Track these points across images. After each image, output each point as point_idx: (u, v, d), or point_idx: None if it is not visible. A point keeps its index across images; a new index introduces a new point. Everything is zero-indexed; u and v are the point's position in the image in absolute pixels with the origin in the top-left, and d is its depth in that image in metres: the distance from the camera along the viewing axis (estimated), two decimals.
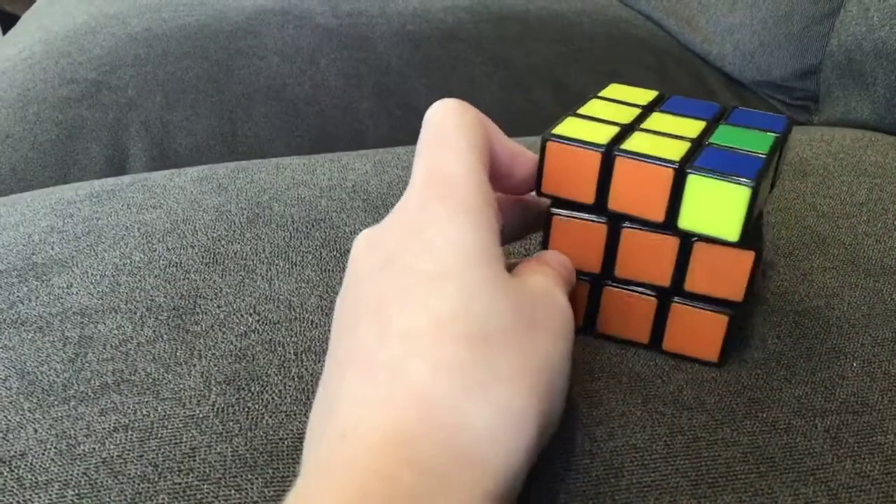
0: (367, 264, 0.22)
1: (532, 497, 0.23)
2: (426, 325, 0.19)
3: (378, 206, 0.38)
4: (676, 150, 0.25)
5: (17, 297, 0.32)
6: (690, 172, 0.24)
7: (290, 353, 0.29)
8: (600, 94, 0.30)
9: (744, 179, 0.24)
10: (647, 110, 0.29)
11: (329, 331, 0.29)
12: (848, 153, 0.45)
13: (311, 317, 0.30)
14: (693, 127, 0.27)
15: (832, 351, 0.29)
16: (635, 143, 0.26)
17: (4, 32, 1.74)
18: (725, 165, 0.25)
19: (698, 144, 0.26)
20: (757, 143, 0.26)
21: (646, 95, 0.30)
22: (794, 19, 0.64)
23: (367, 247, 0.23)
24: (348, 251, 0.34)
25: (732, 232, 0.24)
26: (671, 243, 0.26)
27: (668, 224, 0.25)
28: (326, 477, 0.17)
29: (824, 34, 0.62)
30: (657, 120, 0.28)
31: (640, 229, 0.26)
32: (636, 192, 0.25)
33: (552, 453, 0.24)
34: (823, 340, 0.29)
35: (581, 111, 0.28)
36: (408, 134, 0.62)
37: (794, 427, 0.25)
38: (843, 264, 0.34)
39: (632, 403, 0.26)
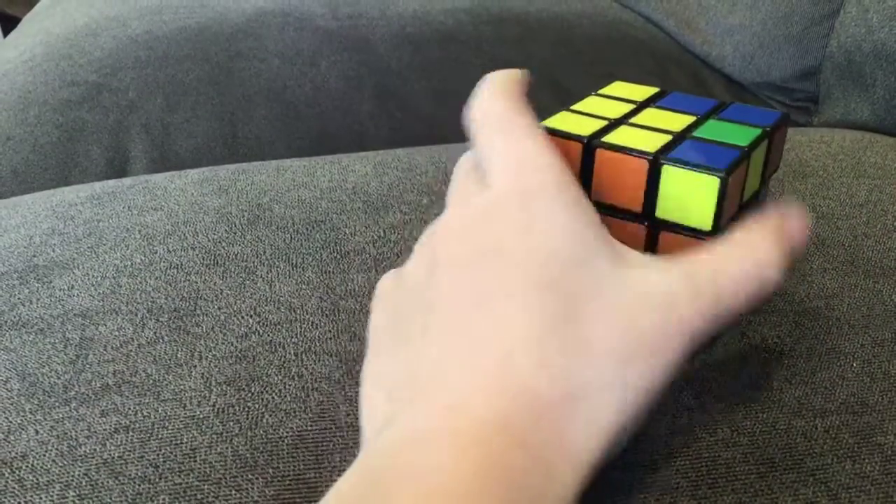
0: (458, 249, 0.22)
1: None
2: (539, 323, 0.20)
3: (378, 207, 0.38)
4: (655, 142, 0.26)
5: (19, 298, 0.32)
6: (664, 163, 0.25)
7: (290, 353, 0.29)
8: (601, 91, 0.31)
9: (715, 170, 0.24)
10: (642, 106, 0.29)
11: (329, 331, 0.30)
12: (847, 154, 0.45)
13: (311, 318, 0.30)
14: (681, 121, 0.28)
15: (832, 351, 0.29)
16: (618, 135, 0.26)
17: (5, 35, 1.74)
18: (701, 157, 0.25)
19: (681, 137, 0.26)
20: (740, 136, 0.27)
21: (645, 92, 0.30)
22: (793, 21, 0.65)
23: (459, 232, 0.23)
24: (349, 253, 0.34)
25: (705, 222, 0.25)
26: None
27: (647, 214, 0.26)
28: (432, 445, 0.18)
29: (824, 35, 0.62)
30: (648, 115, 0.28)
31: (621, 219, 0.26)
32: (615, 182, 0.26)
33: None
34: (823, 341, 0.29)
35: (576, 107, 0.28)
36: (408, 136, 0.62)
37: (794, 428, 0.25)
38: (843, 265, 0.34)
39: None
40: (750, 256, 0.22)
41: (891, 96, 0.55)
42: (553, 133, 0.26)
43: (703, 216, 0.25)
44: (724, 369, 0.28)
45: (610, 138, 0.26)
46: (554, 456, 0.18)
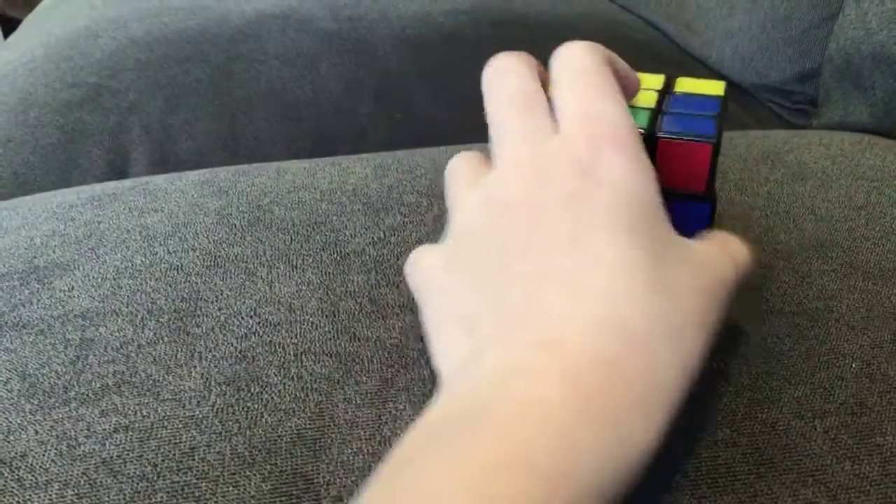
0: (532, 192, 0.23)
1: None
2: (629, 262, 0.20)
3: (378, 209, 0.38)
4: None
5: (19, 300, 0.32)
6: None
7: (290, 354, 0.29)
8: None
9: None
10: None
11: (329, 332, 0.30)
12: (846, 157, 0.45)
13: (311, 319, 0.30)
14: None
15: (831, 352, 0.29)
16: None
17: (5, 37, 1.75)
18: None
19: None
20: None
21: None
22: (792, 23, 0.65)
23: (530, 175, 0.23)
24: (349, 254, 0.34)
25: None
26: None
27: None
28: (535, 378, 0.18)
29: (823, 38, 0.63)
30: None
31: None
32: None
33: None
34: (822, 342, 0.30)
35: None
36: (408, 137, 0.62)
37: (794, 428, 0.26)
38: (842, 267, 0.34)
39: None
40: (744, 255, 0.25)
41: (890, 99, 0.55)
42: None
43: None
44: (723, 369, 0.28)
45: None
46: (649, 393, 0.19)
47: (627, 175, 0.22)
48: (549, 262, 0.21)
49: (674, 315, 0.20)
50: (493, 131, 0.25)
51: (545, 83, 0.26)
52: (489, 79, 0.26)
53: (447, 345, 0.22)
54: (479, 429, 0.17)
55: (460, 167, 0.26)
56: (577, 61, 0.25)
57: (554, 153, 0.23)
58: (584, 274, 0.20)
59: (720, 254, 0.24)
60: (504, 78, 0.26)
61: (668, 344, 0.20)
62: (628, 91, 0.27)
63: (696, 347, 0.21)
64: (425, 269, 0.25)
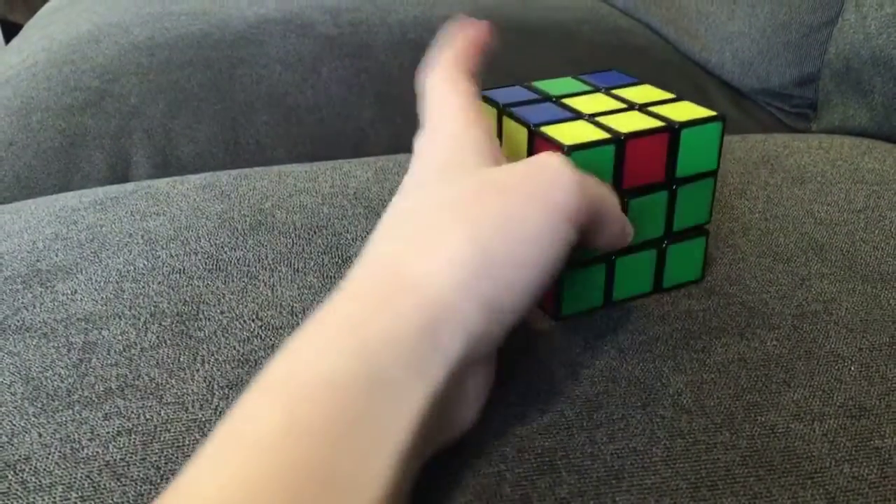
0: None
1: (533, 498, 0.23)
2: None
3: (379, 212, 0.38)
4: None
5: (22, 303, 0.32)
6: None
7: None
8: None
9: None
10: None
11: None
12: (846, 160, 0.45)
13: None
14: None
15: (830, 355, 0.29)
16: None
17: (7, 41, 1.75)
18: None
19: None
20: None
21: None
22: (792, 28, 0.65)
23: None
24: (350, 258, 0.35)
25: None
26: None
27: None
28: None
29: (822, 42, 0.63)
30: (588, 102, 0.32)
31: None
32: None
33: (553, 455, 0.24)
34: (822, 345, 0.30)
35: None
36: (409, 141, 0.62)
37: (793, 431, 0.26)
38: (841, 270, 0.34)
39: (631, 407, 0.26)
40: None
41: (889, 102, 0.55)
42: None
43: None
44: (723, 372, 0.28)
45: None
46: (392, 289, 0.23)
47: (448, 140, 0.27)
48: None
49: (435, 230, 0.23)
50: None
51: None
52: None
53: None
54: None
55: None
56: (437, 74, 0.29)
57: (444, 130, 0.28)
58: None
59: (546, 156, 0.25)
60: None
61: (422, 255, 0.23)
62: (482, 49, 0.31)
63: (459, 247, 0.23)
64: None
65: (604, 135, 0.29)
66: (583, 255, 0.29)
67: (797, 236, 0.37)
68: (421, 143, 0.28)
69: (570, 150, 0.28)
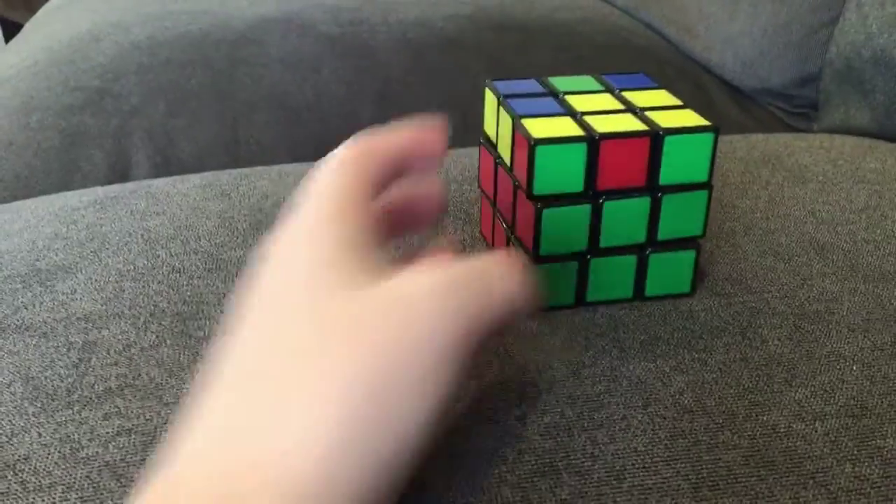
0: None
1: (534, 500, 0.23)
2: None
3: None
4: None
5: (22, 302, 0.32)
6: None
7: None
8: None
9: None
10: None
11: None
12: (847, 160, 0.45)
13: None
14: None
15: (832, 355, 0.29)
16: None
17: (7, 41, 1.75)
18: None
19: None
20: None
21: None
22: (793, 28, 0.65)
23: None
24: None
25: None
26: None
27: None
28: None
29: (823, 42, 0.63)
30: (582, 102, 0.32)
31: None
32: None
33: (553, 456, 0.24)
34: (823, 344, 0.30)
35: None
36: None
37: (795, 430, 0.26)
38: (843, 270, 0.34)
39: (632, 407, 0.26)
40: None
41: (890, 102, 0.55)
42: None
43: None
44: (724, 371, 0.28)
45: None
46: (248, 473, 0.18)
47: (291, 262, 0.22)
48: None
49: (275, 395, 0.19)
50: None
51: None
52: None
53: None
54: None
55: None
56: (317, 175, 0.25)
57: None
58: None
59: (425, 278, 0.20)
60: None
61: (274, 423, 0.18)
62: (423, 149, 0.26)
63: (313, 412, 0.18)
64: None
65: (579, 132, 0.29)
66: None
67: (798, 236, 0.37)
68: (270, 244, 0.23)
69: (537, 144, 0.28)
